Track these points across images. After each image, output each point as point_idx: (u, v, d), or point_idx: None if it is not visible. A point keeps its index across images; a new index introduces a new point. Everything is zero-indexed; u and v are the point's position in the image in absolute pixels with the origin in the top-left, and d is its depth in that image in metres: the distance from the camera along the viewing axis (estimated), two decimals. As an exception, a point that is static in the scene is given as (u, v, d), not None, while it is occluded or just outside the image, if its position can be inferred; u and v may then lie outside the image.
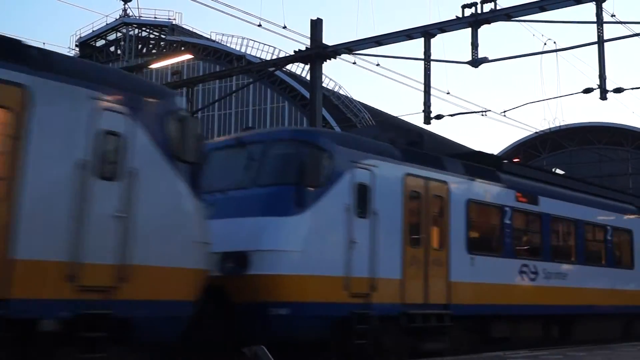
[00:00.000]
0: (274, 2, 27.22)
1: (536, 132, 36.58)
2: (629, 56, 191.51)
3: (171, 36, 54.77)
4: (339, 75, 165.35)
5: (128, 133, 8.41)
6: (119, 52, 56.70)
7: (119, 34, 57.32)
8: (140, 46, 56.49)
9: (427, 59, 18.91)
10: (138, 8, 58.88)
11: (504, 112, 22.00)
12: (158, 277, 8.46)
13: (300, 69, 45.89)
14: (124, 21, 56.49)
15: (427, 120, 19.22)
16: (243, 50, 50.44)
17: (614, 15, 18.37)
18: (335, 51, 20.04)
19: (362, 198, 12.00)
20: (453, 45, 64.87)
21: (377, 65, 20.12)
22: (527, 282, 15.63)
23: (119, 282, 8.07)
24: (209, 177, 11.59)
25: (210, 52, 52.10)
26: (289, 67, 41.40)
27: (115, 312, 7.99)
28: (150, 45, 56.55)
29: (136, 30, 56.86)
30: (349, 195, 11.77)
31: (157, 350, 8.88)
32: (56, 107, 7.84)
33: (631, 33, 17.93)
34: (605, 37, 17.17)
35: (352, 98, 47.77)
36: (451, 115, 21.09)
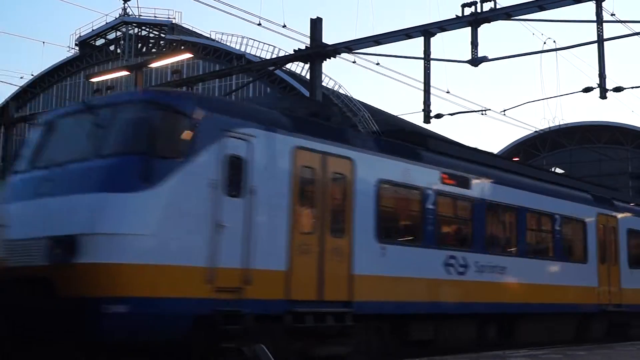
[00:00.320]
0: (273, 1, 27.22)
1: (536, 131, 36.56)
2: (629, 55, 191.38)
3: (171, 35, 54.69)
4: (338, 74, 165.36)
5: None
6: (118, 51, 56.62)
7: (118, 33, 57.20)
8: (140, 45, 56.40)
9: (426, 58, 18.89)
10: (138, 7, 58.78)
11: (504, 111, 22.07)
12: None
13: (300, 68, 45.87)
14: (124, 20, 56.39)
15: (427, 119, 19.20)
16: (243, 49, 50.39)
17: (614, 14, 18.39)
18: (335, 50, 20.02)
19: (235, 173, 10.09)
20: (453, 44, 64.80)
21: (377, 64, 20.13)
22: (455, 276, 13.77)
23: None
24: (48, 148, 10.27)
25: (210, 51, 52.04)
26: (288, 66, 41.37)
27: None
28: (150, 44, 56.48)
29: (136, 29, 56.77)
30: (216, 169, 9.87)
31: None
32: None
33: (631, 32, 17.93)
34: (605, 36, 17.16)
35: (351, 97, 47.66)
36: (451, 114, 21.11)
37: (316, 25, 20.02)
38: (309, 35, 20.03)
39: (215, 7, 25.48)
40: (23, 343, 9.18)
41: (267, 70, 32.33)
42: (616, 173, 50.31)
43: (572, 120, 53.32)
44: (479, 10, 17.97)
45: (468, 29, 18.14)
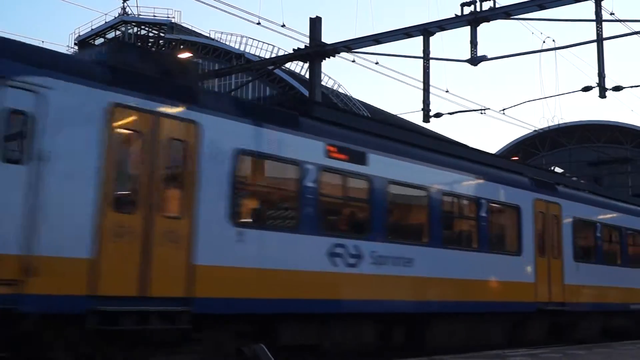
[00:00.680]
0: (273, 0, 27.22)
1: (535, 130, 36.55)
2: (628, 54, 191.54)
3: (170, 34, 54.69)
4: (338, 73, 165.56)
5: None
6: (118, 50, 56.58)
7: (118, 32, 57.19)
8: (139, 44, 56.39)
9: (426, 57, 18.90)
10: (137, 6, 58.71)
11: (503, 110, 22.09)
12: None
13: (300, 67, 45.94)
14: (123, 19, 56.37)
15: (426, 118, 19.22)
16: (242, 48, 50.42)
17: (613, 14, 18.42)
18: (334, 49, 20.02)
19: (17, 133, 8.17)
20: (452, 43, 64.79)
21: (376, 63, 20.11)
22: (343, 268, 11.48)
23: None
24: None
25: (209, 50, 52.01)
26: (288, 65, 41.32)
27: None
28: (150, 44, 56.46)
29: (135, 29, 56.77)
30: None
31: None
32: None
33: (630, 31, 17.92)
34: (605, 35, 17.19)
35: (351, 96, 47.76)
36: (450, 114, 21.12)
37: (315, 24, 20.02)
38: (308, 34, 20.03)
39: (214, 7, 25.47)
40: None
41: (267, 70, 32.33)
42: (616, 172, 50.32)
43: (571, 119, 53.40)
44: (478, 9, 18.00)
45: (467, 28, 18.15)
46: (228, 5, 24.35)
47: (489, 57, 18.08)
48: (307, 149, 11.30)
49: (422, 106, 19.18)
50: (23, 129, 8.20)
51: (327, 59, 20.23)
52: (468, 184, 14.59)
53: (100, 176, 8.71)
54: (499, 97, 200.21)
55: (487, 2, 17.92)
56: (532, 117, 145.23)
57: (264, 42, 52.59)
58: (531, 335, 16.14)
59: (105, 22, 56.85)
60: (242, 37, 52.62)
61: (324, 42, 19.98)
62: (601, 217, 19.13)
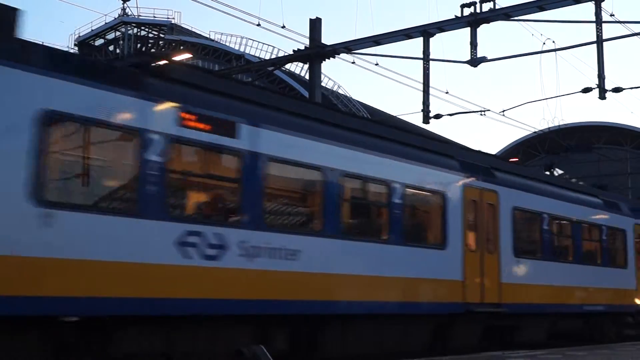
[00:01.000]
0: (273, 1, 27.21)
1: (535, 132, 36.57)
2: (628, 56, 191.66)
3: (170, 35, 54.72)
4: (338, 74, 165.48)
5: None
6: (117, 51, 56.61)
7: (117, 33, 57.22)
8: (139, 45, 56.40)
9: (426, 58, 18.92)
10: (137, 7, 58.56)
11: (503, 111, 22.11)
12: None
13: (299, 69, 45.96)
14: (123, 20, 56.38)
15: (426, 119, 19.26)
16: (242, 49, 50.45)
17: (613, 15, 18.44)
18: (334, 50, 20.04)
19: None
20: (452, 44, 64.85)
21: (376, 64, 20.16)
22: (199, 261, 9.38)
23: None
24: None
25: (209, 51, 52.04)
26: (288, 66, 41.42)
27: None
28: (149, 45, 56.48)
29: (135, 30, 56.78)
30: None
31: None
32: None
33: (630, 33, 17.96)
34: (604, 37, 17.22)
35: (351, 97, 47.77)
36: (450, 115, 21.16)
37: (315, 25, 20.04)
38: (308, 35, 20.06)
39: (214, 8, 25.50)
40: None
41: (267, 71, 32.36)
42: (615, 174, 50.33)
43: (571, 120, 53.43)
44: (478, 10, 18.02)
45: (467, 30, 18.19)
46: (228, 6, 24.33)
47: (488, 58, 18.14)
48: (152, 115, 9.19)
49: (422, 107, 19.21)
50: None
51: (327, 60, 20.27)
52: (377, 165, 12.34)
53: None
54: (499, 98, 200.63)
55: (487, 3, 17.97)
56: (532, 119, 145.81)
57: (263, 43, 52.65)
58: (460, 339, 14.08)
59: (105, 23, 56.87)
60: (242, 38, 52.76)
61: (323, 43, 20.01)
62: (549, 207, 16.74)
